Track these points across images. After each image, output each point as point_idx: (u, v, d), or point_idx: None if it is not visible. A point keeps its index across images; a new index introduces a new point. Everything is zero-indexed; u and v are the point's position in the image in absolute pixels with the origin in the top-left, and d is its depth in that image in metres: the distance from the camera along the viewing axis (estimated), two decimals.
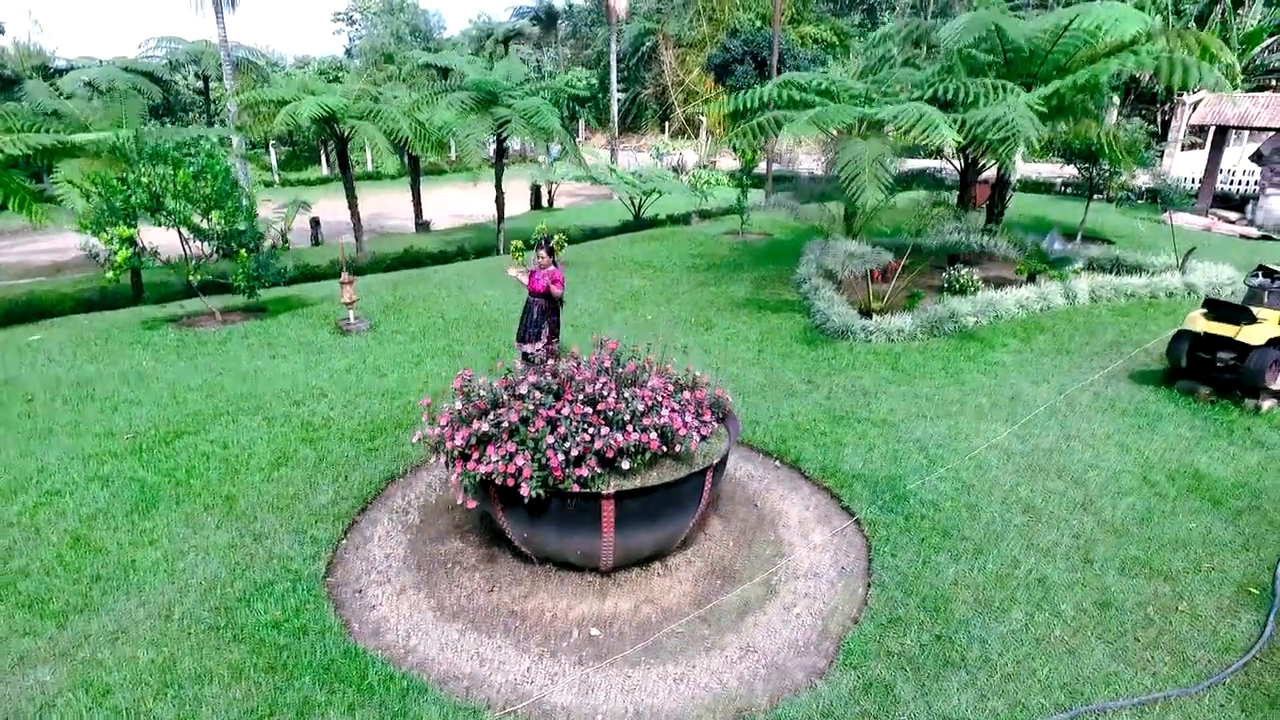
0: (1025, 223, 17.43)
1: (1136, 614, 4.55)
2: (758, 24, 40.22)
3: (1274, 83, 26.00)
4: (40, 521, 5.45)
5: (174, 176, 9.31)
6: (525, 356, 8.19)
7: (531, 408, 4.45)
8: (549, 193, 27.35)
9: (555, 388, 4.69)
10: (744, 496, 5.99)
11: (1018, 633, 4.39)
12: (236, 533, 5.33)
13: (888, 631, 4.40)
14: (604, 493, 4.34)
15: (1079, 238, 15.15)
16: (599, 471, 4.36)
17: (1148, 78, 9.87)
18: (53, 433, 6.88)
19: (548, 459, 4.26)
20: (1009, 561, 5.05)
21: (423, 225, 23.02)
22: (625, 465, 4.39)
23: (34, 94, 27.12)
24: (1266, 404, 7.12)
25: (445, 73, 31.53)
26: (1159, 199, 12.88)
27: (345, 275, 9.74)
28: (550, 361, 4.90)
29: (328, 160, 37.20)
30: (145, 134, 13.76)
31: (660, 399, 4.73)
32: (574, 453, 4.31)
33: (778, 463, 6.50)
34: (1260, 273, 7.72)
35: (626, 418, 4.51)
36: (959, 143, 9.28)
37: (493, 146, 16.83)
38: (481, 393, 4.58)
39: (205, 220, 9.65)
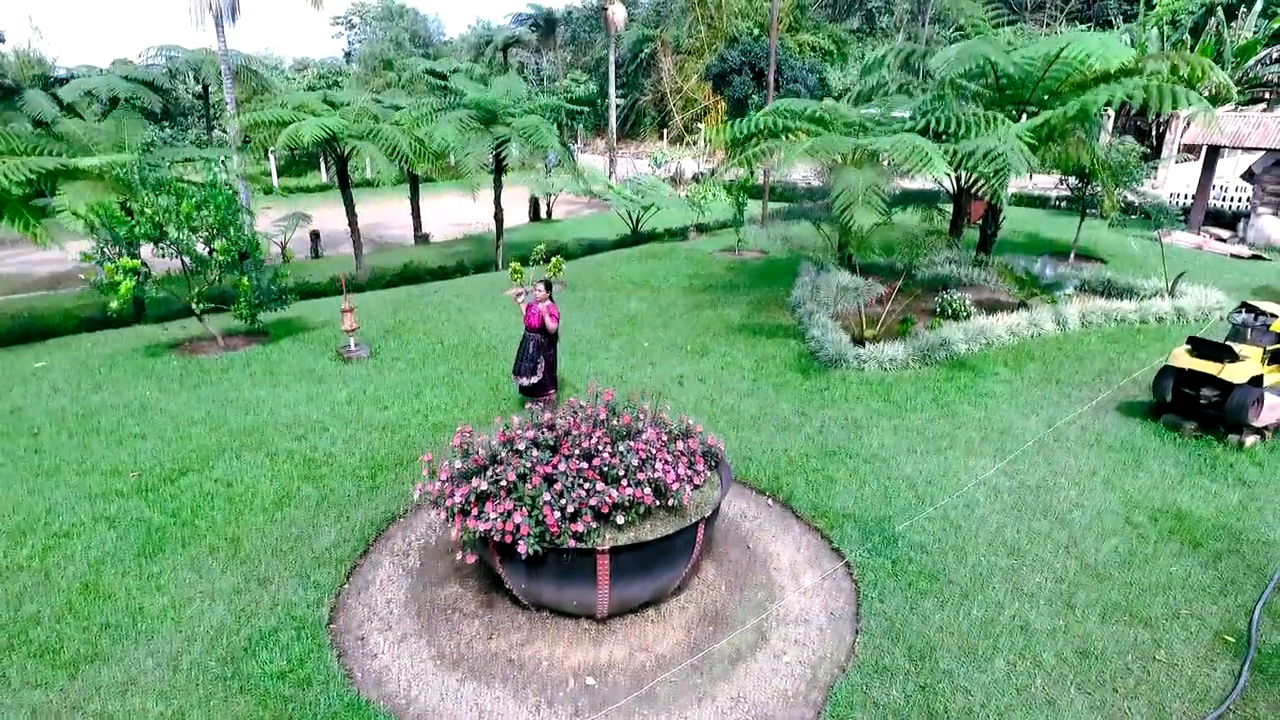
0: (1018, 240, 17.62)
1: (1116, 663, 4.69)
2: (755, 32, 40.37)
3: (1267, 95, 26.17)
4: (50, 565, 5.58)
5: (177, 206, 9.44)
6: (523, 389, 8.38)
7: (529, 465, 4.59)
8: (548, 204, 27.49)
9: (552, 442, 4.83)
10: (737, 536, 6.13)
11: (1000, 682, 4.53)
12: (241, 577, 5.47)
13: (874, 681, 4.55)
14: (599, 548, 4.48)
15: (1072, 256, 15.33)
16: (594, 526, 4.50)
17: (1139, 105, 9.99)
18: (59, 470, 7.02)
19: (544, 516, 4.41)
20: (993, 607, 5.20)
21: (422, 238, 23.19)
22: (620, 520, 4.54)
23: (35, 104, 27.35)
24: (1249, 440, 7.27)
25: (445, 80, 31.69)
26: (1150, 216, 13.01)
27: (346, 303, 9.87)
28: (547, 415, 5.03)
29: (327, 167, 37.31)
30: (147, 145, 13.90)
31: (654, 451, 4.88)
32: (570, 509, 4.45)
33: (770, 500, 6.65)
34: (1243, 309, 7.87)
35: (621, 472, 4.65)
36: (950, 175, 9.43)
37: (491, 158, 16.97)
38: (480, 450, 4.71)
39: (208, 250, 9.78)
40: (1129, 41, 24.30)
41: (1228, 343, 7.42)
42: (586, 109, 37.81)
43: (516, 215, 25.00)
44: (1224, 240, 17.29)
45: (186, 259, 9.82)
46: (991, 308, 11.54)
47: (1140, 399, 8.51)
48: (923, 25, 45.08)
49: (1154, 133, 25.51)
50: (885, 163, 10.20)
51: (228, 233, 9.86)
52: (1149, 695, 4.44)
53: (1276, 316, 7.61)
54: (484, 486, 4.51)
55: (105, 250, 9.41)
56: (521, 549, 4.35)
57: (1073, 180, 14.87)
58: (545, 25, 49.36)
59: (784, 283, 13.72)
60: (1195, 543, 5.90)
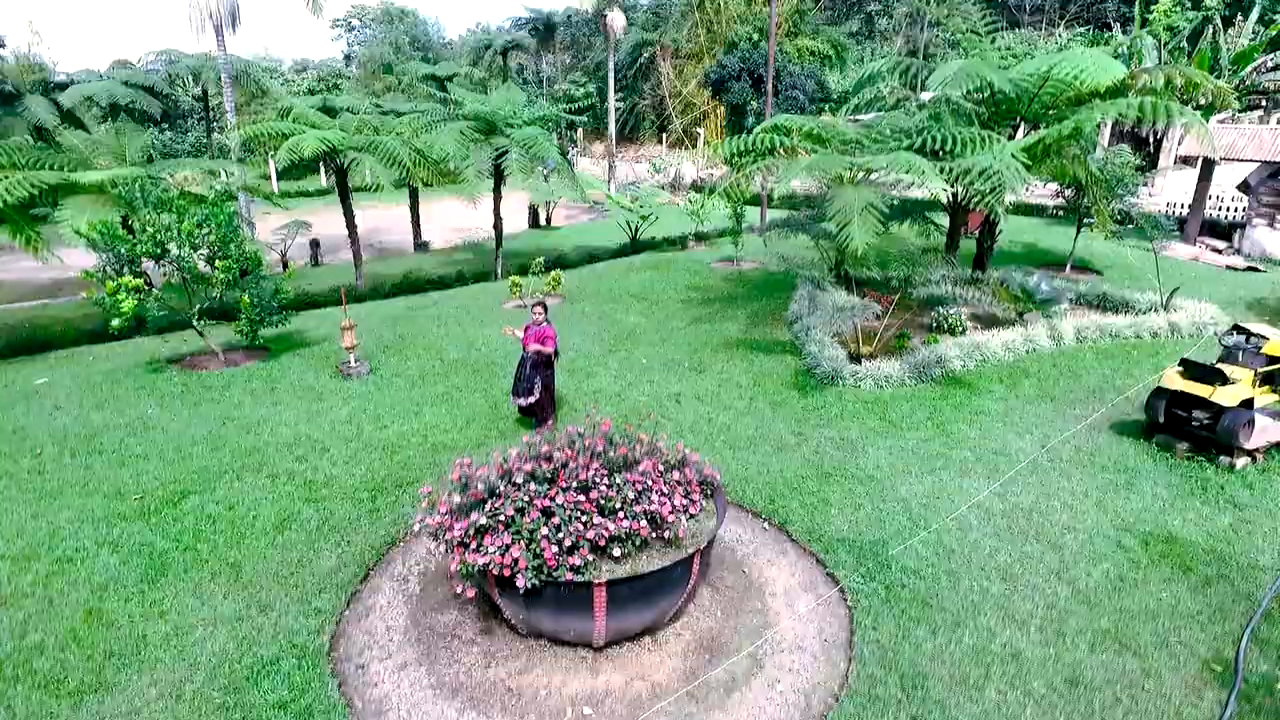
0: (1016, 251, 17.71)
1: (1105, 692, 4.77)
2: (755, 38, 40.46)
3: (1264, 103, 26.25)
4: (54, 591, 5.65)
5: (179, 225, 9.51)
6: (521, 409, 8.46)
7: (526, 498, 4.66)
8: (547, 211, 27.57)
9: (549, 474, 4.90)
10: (733, 561, 6.20)
11: (990, 713, 4.60)
12: (243, 603, 5.54)
13: (867, 711, 4.62)
14: (596, 581, 4.55)
15: (1068, 268, 15.41)
16: (590, 559, 4.58)
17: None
18: (62, 492, 7.09)
19: (542, 549, 4.48)
20: (985, 634, 5.27)
21: (421, 245, 23.26)
22: (616, 552, 4.61)
23: (35, 110, 27.43)
24: (1240, 462, 7.35)
25: (444, 85, 31.76)
26: (1144, 226, 13.10)
27: (346, 320, 9.94)
28: (545, 447, 5.10)
29: (327, 174, 37.40)
30: (147, 156, 13.95)
31: (650, 483, 4.95)
32: (567, 542, 4.53)
33: (766, 524, 6.72)
34: (1235, 331, 7.95)
35: (618, 505, 4.73)
36: (947, 192, 9.52)
37: (490, 166, 17.02)
38: (479, 485, 4.78)
39: (209, 268, 9.85)
40: (1126, 49, 24.40)
41: (1219, 365, 7.50)
42: (585, 117, 37.92)
43: (516, 222, 25.07)
44: (1220, 251, 17.39)
45: (188, 277, 9.89)
46: (988, 322, 11.63)
47: (1133, 417, 8.58)
48: (922, 30, 45.20)
49: (1151, 141, 25.60)
50: (881, 176, 10.29)
51: (228, 249, 9.93)
52: None
53: (1267, 339, 7.69)
54: (482, 520, 4.58)
55: (108, 269, 9.47)
56: (520, 583, 4.42)
57: (1069, 192, 14.96)
58: (544, 29, 49.52)
59: (781, 295, 13.80)
60: (1185, 568, 5.97)
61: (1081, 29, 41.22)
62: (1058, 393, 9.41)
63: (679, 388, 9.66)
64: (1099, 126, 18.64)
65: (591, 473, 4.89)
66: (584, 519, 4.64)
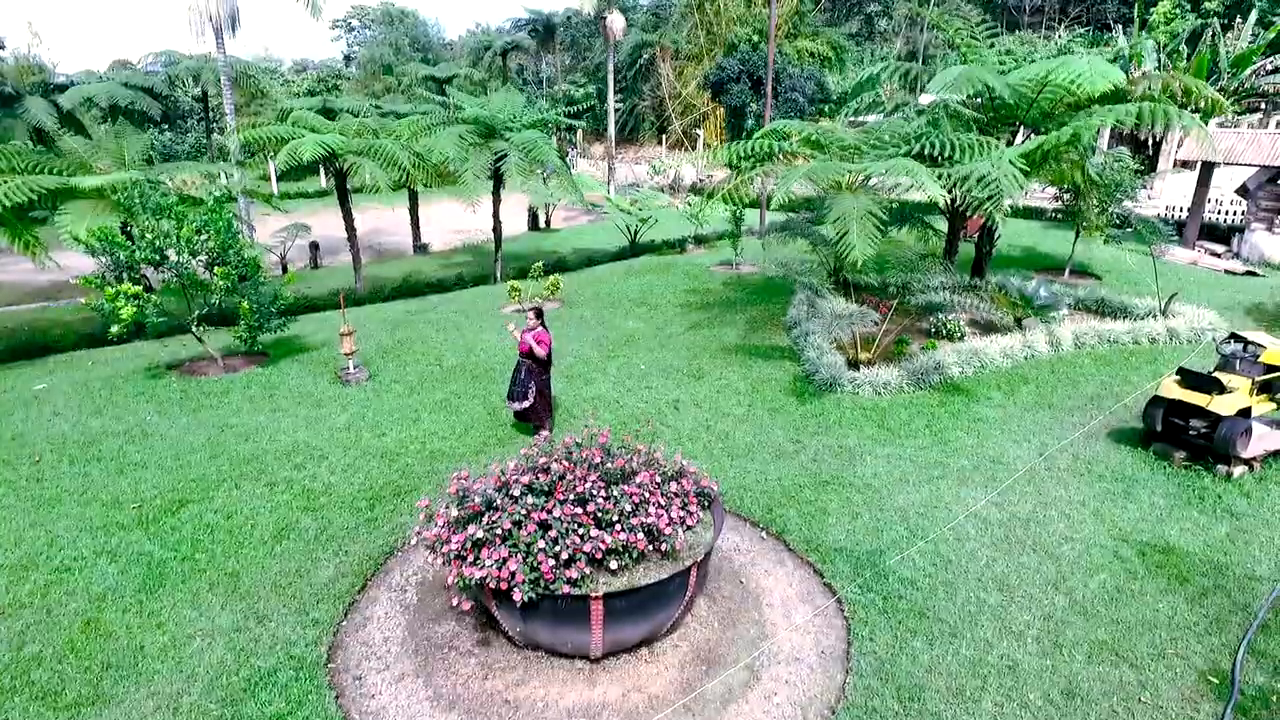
0: (1015, 254, 17.71)
1: (1101, 705, 4.77)
2: (754, 40, 40.46)
3: (1263, 105, 26.27)
4: (52, 602, 5.66)
5: (178, 232, 9.51)
6: (515, 414, 8.48)
7: (524, 511, 4.67)
8: (547, 213, 27.57)
9: (547, 487, 4.91)
10: (730, 571, 6.21)
11: None
12: (241, 614, 5.54)
13: None
14: (593, 594, 4.56)
15: (1067, 272, 15.41)
16: (587, 571, 4.58)
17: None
18: (61, 500, 7.09)
19: (539, 562, 4.49)
20: (982, 645, 5.27)
21: (421, 248, 23.26)
22: (613, 564, 4.62)
23: (35, 112, 27.43)
24: (1237, 470, 7.35)
25: (444, 87, 31.78)
26: (1141, 231, 13.11)
27: (345, 326, 9.94)
28: (542, 459, 5.11)
29: (326, 176, 37.40)
30: (147, 159, 13.95)
31: (648, 495, 4.96)
32: (564, 555, 4.54)
33: (763, 533, 6.72)
34: (1232, 339, 7.96)
35: (615, 517, 4.73)
36: (944, 198, 9.52)
37: (489, 170, 17.03)
38: (476, 498, 4.79)
39: (208, 274, 9.85)
40: (1126, 52, 24.42)
41: (1216, 374, 7.50)
42: (584, 119, 37.90)
43: (515, 224, 25.08)
44: (1218, 255, 17.40)
45: (186, 284, 9.89)
46: (986, 328, 11.63)
47: (1131, 424, 8.59)
48: (921, 32, 45.23)
49: (1150, 144, 25.60)
50: (879, 182, 10.29)
51: (227, 256, 9.93)
52: None
53: (1265, 347, 7.70)
54: (479, 534, 4.58)
55: (107, 275, 9.47)
56: (517, 596, 4.43)
57: (1068, 196, 14.95)
58: (544, 30, 49.52)
59: (780, 300, 13.81)
60: (1182, 578, 5.98)
61: (1082, 30, 41.24)
62: (1056, 400, 9.42)
63: (677, 394, 9.67)
64: (1098, 131, 18.71)
65: (589, 485, 4.90)
66: (581, 532, 4.65)
